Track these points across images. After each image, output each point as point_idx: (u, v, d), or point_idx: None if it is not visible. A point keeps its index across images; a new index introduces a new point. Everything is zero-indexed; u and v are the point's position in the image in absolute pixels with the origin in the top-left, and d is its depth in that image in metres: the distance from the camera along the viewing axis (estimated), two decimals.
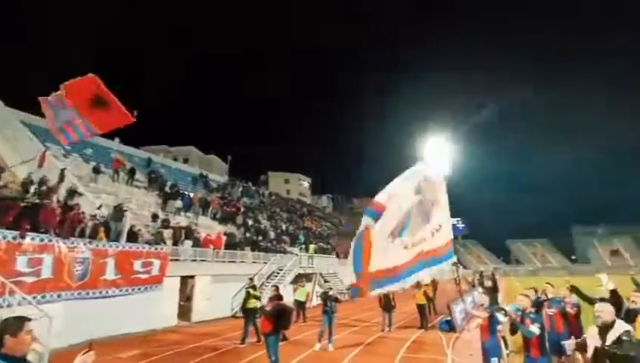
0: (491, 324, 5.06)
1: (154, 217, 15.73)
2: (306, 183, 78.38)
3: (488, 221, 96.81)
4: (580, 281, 8.01)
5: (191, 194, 21.39)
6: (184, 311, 13.83)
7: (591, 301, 5.10)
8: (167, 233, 14.59)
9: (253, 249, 18.84)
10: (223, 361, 8.00)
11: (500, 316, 4.79)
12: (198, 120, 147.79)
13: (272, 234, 24.53)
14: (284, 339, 9.59)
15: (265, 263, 18.14)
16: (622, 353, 3.12)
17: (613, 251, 74.38)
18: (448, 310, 11.74)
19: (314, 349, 8.96)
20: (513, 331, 4.80)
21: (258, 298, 10.20)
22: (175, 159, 37.45)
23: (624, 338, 3.18)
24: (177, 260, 13.44)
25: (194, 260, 14.68)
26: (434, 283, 20.35)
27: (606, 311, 3.55)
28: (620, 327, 3.35)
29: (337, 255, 27.45)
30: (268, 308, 6.50)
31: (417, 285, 14.16)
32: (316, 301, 21.32)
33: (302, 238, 26.14)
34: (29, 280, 8.45)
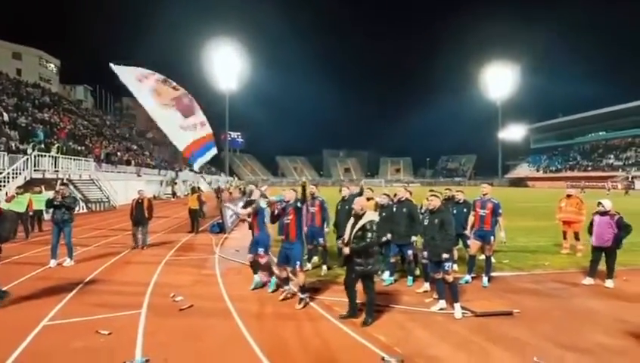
0: (258, 221, 5.58)
1: None
2: (52, 65, 59.29)
3: (263, 138, 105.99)
4: (325, 191, 10.63)
5: None
6: None
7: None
8: None
9: None
10: None
11: (263, 203, 5.08)
12: None
13: None
14: None
15: None
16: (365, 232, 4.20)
17: (346, 168, 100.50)
18: (220, 214, 12.07)
19: (49, 265, 7.12)
20: (273, 220, 5.32)
21: None
22: None
23: (367, 227, 4.20)
24: None
25: None
26: (219, 190, 20.73)
27: (360, 203, 4.37)
28: (369, 215, 4.22)
29: (97, 159, 22.87)
30: None
31: (193, 190, 13.75)
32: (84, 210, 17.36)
33: (40, 135, 19.75)
34: None
